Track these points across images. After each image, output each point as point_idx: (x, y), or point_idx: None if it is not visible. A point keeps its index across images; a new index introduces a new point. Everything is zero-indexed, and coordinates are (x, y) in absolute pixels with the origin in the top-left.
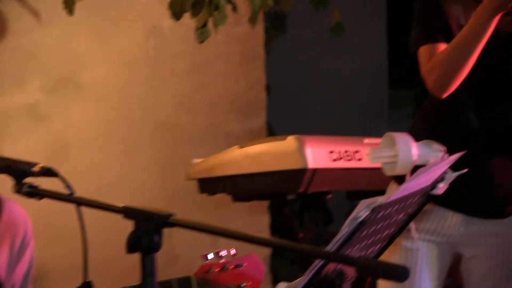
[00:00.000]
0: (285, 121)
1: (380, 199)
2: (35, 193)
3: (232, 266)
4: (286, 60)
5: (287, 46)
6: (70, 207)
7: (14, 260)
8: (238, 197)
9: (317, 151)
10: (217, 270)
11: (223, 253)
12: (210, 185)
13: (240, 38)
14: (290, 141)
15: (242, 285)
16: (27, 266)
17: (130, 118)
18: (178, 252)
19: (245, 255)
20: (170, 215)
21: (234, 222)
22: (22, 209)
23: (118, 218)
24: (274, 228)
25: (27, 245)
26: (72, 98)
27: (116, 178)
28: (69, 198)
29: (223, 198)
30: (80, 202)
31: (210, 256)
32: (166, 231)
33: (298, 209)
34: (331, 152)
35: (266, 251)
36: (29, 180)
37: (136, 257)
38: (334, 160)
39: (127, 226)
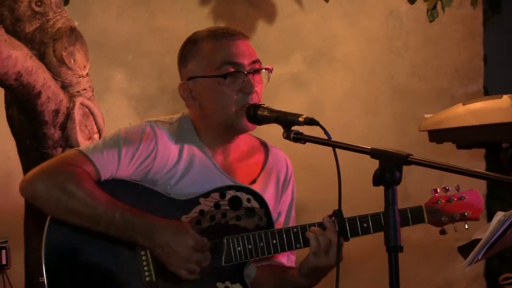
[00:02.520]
0: (498, 86)
1: None
2: (301, 138)
3: (456, 198)
4: (500, 36)
5: (501, 24)
6: (325, 153)
7: (280, 192)
8: (461, 145)
9: None
10: (444, 201)
11: (449, 188)
12: (438, 135)
13: (462, 18)
14: (505, 99)
15: (466, 214)
16: (290, 198)
17: (372, 84)
18: (410, 191)
19: (467, 190)
20: (409, 155)
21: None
22: (283, 153)
23: (365, 157)
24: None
25: (289, 180)
26: (327, 68)
27: (361, 132)
28: (327, 142)
29: (448, 146)
30: (336, 145)
31: (438, 190)
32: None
33: (509, 156)
34: None
35: (482, 191)
36: (295, 128)
37: (377, 192)
38: None
39: (373, 163)
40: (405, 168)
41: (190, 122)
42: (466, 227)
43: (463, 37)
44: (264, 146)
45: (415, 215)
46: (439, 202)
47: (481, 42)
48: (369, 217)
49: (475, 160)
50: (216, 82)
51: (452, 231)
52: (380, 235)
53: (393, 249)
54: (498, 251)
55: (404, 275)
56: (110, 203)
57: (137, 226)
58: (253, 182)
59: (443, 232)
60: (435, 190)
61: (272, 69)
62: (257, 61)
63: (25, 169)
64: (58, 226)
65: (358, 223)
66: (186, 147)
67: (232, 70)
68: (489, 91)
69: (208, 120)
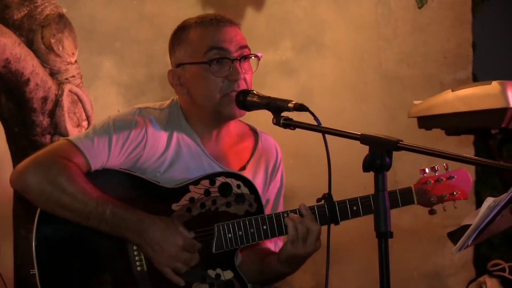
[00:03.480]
0: (487, 72)
1: None
2: (290, 124)
3: (445, 178)
4: (489, 22)
5: (490, 10)
6: (314, 141)
7: (269, 179)
8: (450, 132)
9: None
10: (433, 181)
11: (437, 167)
12: (427, 121)
13: (451, 4)
14: (494, 85)
15: (455, 193)
16: (279, 185)
17: (361, 71)
18: (399, 178)
19: (455, 169)
20: (399, 141)
21: None
22: (273, 139)
23: (355, 144)
24: None
25: (278, 168)
26: (316, 55)
27: (351, 119)
28: (317, 128)
29: (437, 133)
30: (326, 131)
31: (427, 170)
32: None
33: (498, 142)
34: None
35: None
36: (285, 114)
37: (366, 179)
38: None
39: (362, 151)
40: (395, 154)
41: (180, 109)
42: (455, 206)
43: (452, 24)
44: (254, 132)
45: (405, 197)
46: (428, 182)
47: (470, 29)
48: (359, 200)
49: (464, 146)
50: (202, 69)
51: (441, 210)
52: (370, 220)
53: (383, 235)
54: (488, 237)
55: (394, 261)
56: (101, 198)
57: (127, 223)
58: (243, 168)
59: (432, 212)
60: (424, 170)
61: (261, 56)
62: (245, 47)
63: (14, 157)
64: (49, 217)
65: (348, 206)
66: (175, 134)
67: (217, 56)
68: (478, 78)
69: (197, 106)
